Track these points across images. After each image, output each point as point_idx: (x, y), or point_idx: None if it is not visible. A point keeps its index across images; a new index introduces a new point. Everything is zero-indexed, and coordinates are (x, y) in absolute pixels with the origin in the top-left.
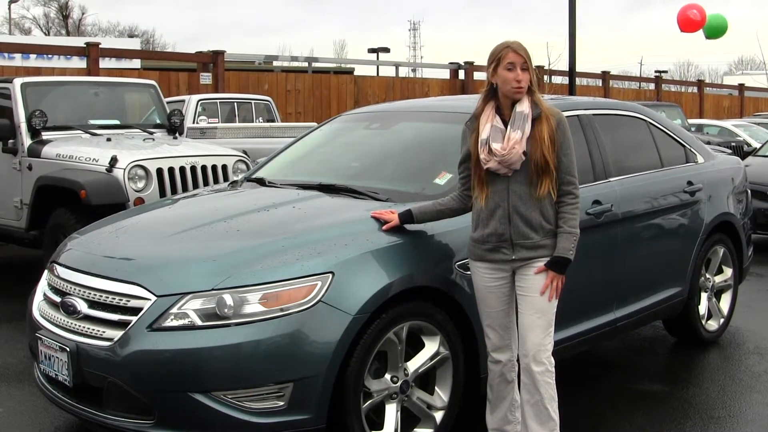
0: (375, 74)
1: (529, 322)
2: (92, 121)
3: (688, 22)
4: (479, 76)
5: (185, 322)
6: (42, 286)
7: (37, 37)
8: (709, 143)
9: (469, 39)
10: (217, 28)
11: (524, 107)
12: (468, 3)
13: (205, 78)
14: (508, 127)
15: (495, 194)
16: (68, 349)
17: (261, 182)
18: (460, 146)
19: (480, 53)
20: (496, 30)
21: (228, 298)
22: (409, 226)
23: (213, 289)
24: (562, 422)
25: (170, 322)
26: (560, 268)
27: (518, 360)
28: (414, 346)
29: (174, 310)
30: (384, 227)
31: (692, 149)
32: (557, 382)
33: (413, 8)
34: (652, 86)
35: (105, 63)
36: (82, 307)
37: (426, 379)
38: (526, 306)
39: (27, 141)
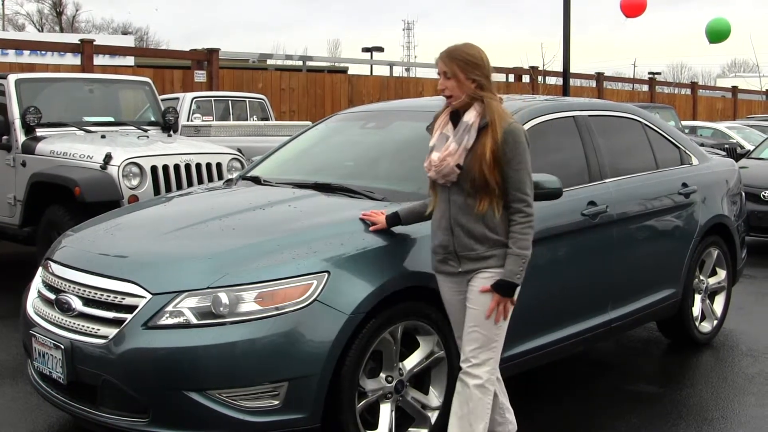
0: (369, 73)
1: (468, 332)
2: (87, 118)
3: (631, 7)
4: None
5: (180, 320)
6: (36, 283)
7: (31, 34)
8: (702, 145)
9: (468, 39)
10: (212, 26)
11: (470, 117)
12: (468, 3)
13: (200, 76)
14: (452, 135)
15: (440, 203)
16: (62, 346)
17: (256, 181)
18: None
19: None
20: (496, 30)
21: (223, 297)
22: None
23: (208, 288)
24: (557, 422)
25: (165, 321)
26: (506, 291)
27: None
28: (409, 345)
29: (169, 308)
30: (371, 228)
31: (687, 151)
32: (551, 382)
33: (414, 8)
34: (645, 88)
35: (99, 60)
36: (77, 304)
37: (421, 379)
38: (468, 317)
39: (21, 137)
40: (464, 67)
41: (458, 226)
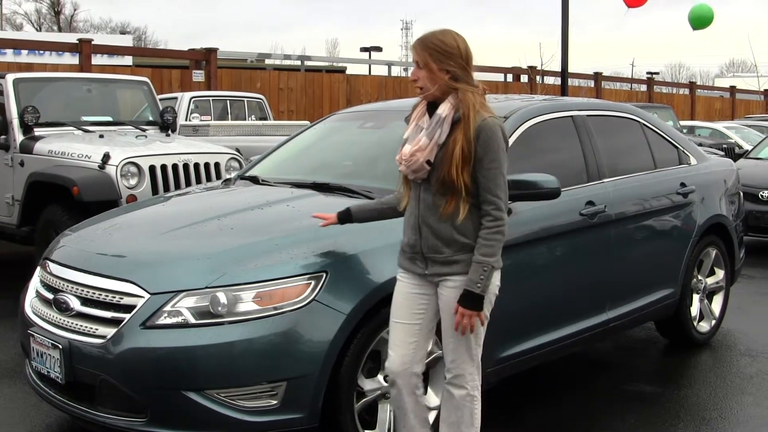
0: (367, 73)
1: (446, 343)
2: (85, 118)
3: None
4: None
5: (179, 320)
6: (34, 283)
7: (29, 33)
8: (701, 145)
9: (468, 39)
10: (210, 26)
11: (444, 109)
12: (467, 3)
13: (198, 75)
14: (424, 129)
15: (411, 201)
16: (60, 346)
17: (254, 180)
18: None
19: (477, 53)
20: (495, 30)
21: (222, 296)
22: None
23: (207, 287)
24: (555, 422)
25: (164, 320)
26: (469, 303)
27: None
28: None
29: (167, 307)
30: (321, 224)
31: (685, 151)
32: (549, 382)
33: (413, 8)
34: (644, 88)
35: (97, 59)
36: (75, 304)
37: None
38: (443, 327)
39: (19, 137)
40: (437, 56)
41: (426, 226)
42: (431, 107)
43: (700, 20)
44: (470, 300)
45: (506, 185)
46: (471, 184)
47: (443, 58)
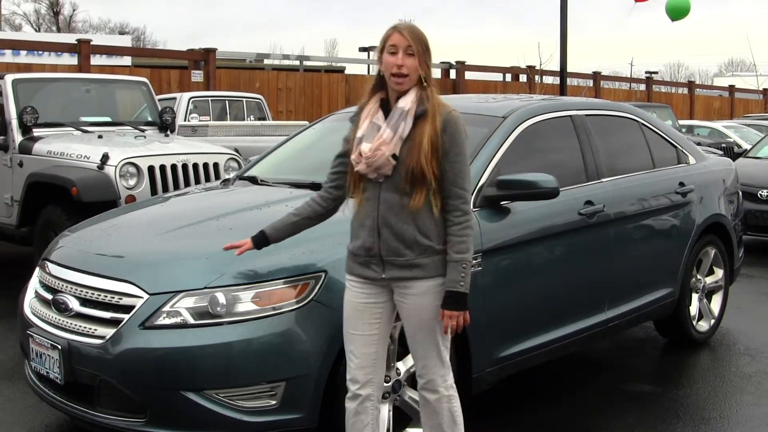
0: (366, 73)
1: (413, 350)
2: (84, 118)
3: None
4: (471, 75)
5: (177, 320)
6: (33, 284)
7: (28, 34)
8: (699, 144)
9: (468, 39)
10: (210, 26)
11: (406, 102)
12: (467, 3)
13: (197, 76)
14: (384, 124)
15: (366, 202)
16: (60, 346)
17: (253, 181)
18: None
19: (476, 53)
20: (496, 30)
21: (220, 297)
22: None
23: (205, 288)
24: (554, 422)
25: (162, 321)
26: (454, 303)
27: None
28: (407, 345)
29: (166, 308)
30: (236, 253)
31: (684, 150)
32: (548, 381)
33: (413, 8)
34: (643, 87)
35: (96, 60)
36: (74, 304)
37: None
38: (408, 333)
39: (18, 137)
40: (423, 48)
41: (386, 227)
42: (384, 104)
43: (677, 11)
44: (455, 300)
45: (470, 178)
46: (439, 176)
47: (427, 53)
